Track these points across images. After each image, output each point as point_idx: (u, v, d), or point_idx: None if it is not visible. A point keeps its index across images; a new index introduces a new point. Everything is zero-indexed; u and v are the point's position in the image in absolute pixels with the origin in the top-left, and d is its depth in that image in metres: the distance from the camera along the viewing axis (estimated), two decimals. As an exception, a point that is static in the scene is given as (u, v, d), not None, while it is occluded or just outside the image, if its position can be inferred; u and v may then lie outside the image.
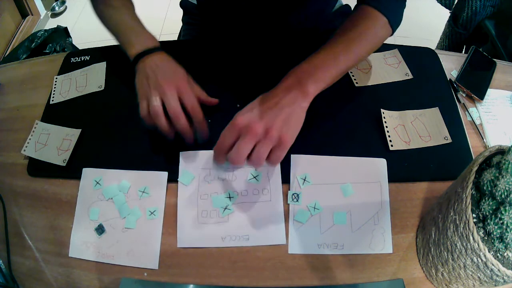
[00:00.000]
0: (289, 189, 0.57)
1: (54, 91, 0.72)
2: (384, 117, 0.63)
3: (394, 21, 0.59)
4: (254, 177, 0.58)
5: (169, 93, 0.54)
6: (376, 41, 0.59)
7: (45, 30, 1.56)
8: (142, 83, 0.56)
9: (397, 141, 0.61)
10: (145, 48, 0.59)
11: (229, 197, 0.57)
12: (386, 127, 0.62)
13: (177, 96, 0.55)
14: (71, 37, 1.66)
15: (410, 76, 0.70)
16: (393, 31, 0.60)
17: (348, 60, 0.55)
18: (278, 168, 0.59)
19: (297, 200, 0.57)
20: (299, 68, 0.53)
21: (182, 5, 0.97)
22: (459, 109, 0.66)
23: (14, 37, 2.07)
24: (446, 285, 0.49)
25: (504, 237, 0.39)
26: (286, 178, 0.58)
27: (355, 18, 0.58)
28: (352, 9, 0.63)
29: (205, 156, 0.60)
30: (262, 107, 0.49)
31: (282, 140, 0.48)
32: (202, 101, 0.61)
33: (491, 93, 0.69)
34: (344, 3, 0.95)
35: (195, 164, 0.60)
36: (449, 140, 0.62)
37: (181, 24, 1.02)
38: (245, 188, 0.58)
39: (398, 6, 0.60)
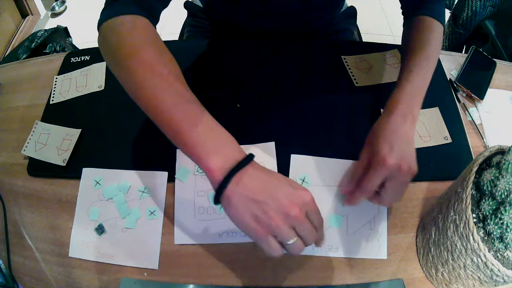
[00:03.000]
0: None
1: (54, 91, 0.72)
2: (384, 117, 0.63)
3: (444, 28, 0.62)
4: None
5: (303, 221, 0.41)
6: (440, 49, 0.62)
7: (45, 30, 1.56)
8: (254, 212, 0.39)
9: (397, 141, 0.61)
10: (235, 163, 0.40)
11: None
12: (386, 127, 0.62)
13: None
14: (71, 37, 1.66)
15: (410, 76, 0.70)
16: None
17: (430, 75, 0.57)
18: (275, 166, 0.59)
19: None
20: (406, 93, 0.54)
21: (186, 6, 0.95)
22: (459, 109, 0.66)
23: (14, 37, 2.07)
24: (446, 285, 0.49)
25: (504, 237, 0.39)
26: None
27: (424, 31, 0.60)
28: (406, 18, 0.65)
29: None
30: (397, 142, 0.50)
31: (415, 171, 0.51)
32: None
33: (491, 93, 0.69)
34: (349, 5, 0.95)
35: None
36: (449, 140, 0.62)
37: (181, 24, 1.01)
38: None
39: (445, 12, 0.63)
